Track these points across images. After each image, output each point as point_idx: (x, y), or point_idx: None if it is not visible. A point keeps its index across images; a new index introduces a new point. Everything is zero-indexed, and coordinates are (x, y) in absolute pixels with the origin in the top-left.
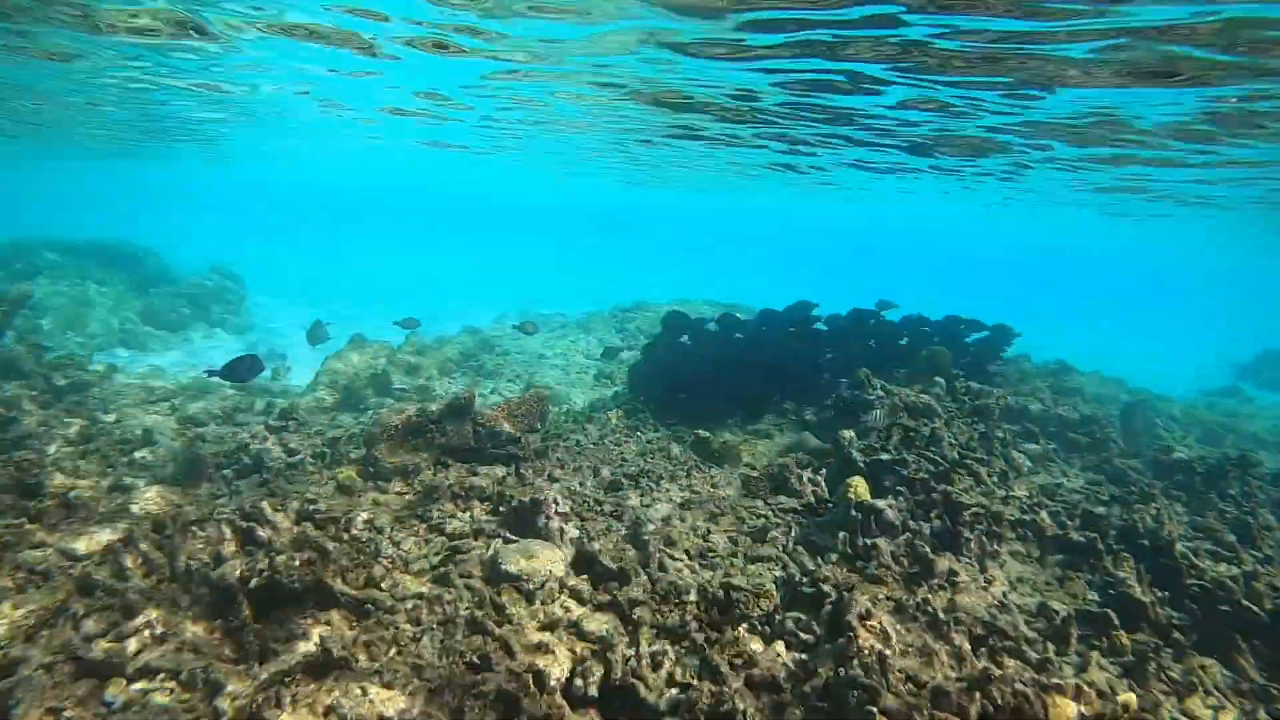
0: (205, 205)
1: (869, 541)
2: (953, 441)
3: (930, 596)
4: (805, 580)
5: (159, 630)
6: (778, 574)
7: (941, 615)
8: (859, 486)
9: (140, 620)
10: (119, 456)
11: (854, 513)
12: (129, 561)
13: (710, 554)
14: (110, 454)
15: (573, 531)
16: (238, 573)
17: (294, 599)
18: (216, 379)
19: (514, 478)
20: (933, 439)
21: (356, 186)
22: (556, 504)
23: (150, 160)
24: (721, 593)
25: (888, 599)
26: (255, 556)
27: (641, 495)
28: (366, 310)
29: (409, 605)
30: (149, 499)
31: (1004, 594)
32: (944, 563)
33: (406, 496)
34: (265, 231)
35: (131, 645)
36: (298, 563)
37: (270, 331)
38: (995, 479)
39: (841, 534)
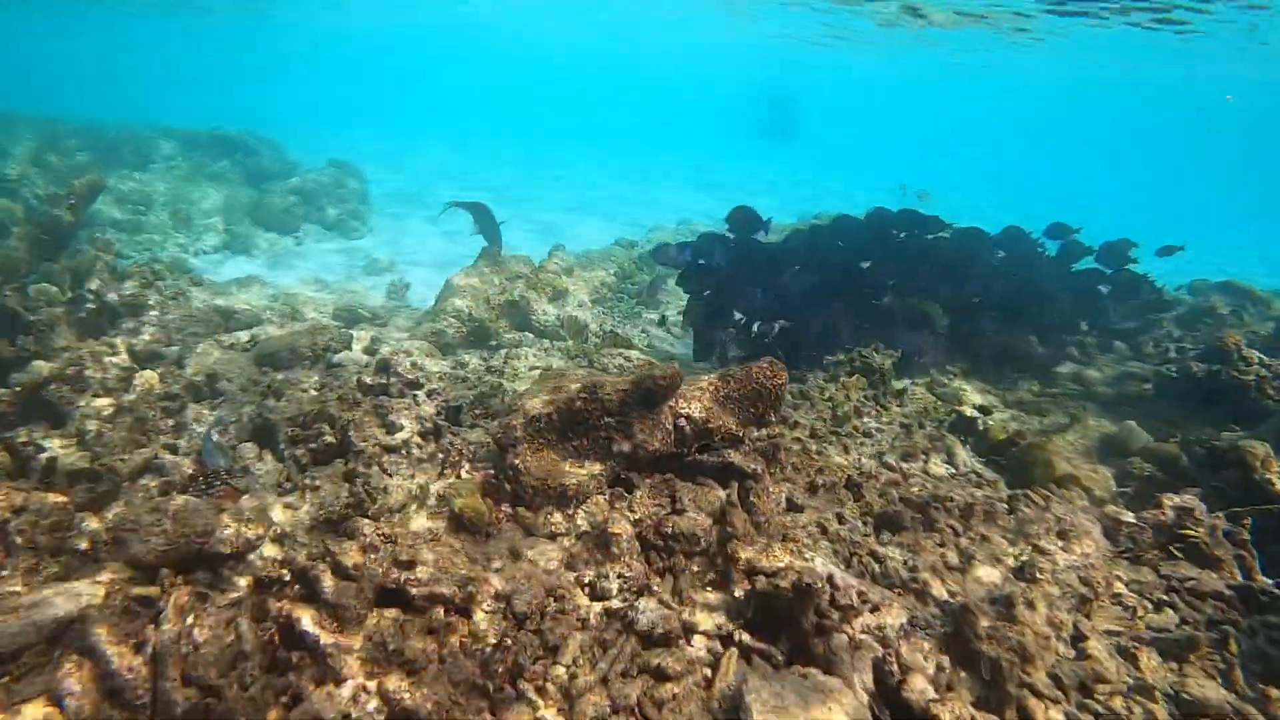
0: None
1: None
2: None
3: None
4: None
5: None
6: None
7: None
8: None
9: None
10: (160, 418)
11: None
12: (73, 679)
13: (1098, 685)
14: (149, 414)
15: (871, 647)
16: None
17: None
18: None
19: (741, 514)
20: None
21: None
22: (835, 588)
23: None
24: None
25: None
26: (296, 693)
27: (942, 544)
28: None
29: None
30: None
31: None
32: None
33: (563, 542)
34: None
35: None
36: None
37: (397, 235)
38: None
39: None
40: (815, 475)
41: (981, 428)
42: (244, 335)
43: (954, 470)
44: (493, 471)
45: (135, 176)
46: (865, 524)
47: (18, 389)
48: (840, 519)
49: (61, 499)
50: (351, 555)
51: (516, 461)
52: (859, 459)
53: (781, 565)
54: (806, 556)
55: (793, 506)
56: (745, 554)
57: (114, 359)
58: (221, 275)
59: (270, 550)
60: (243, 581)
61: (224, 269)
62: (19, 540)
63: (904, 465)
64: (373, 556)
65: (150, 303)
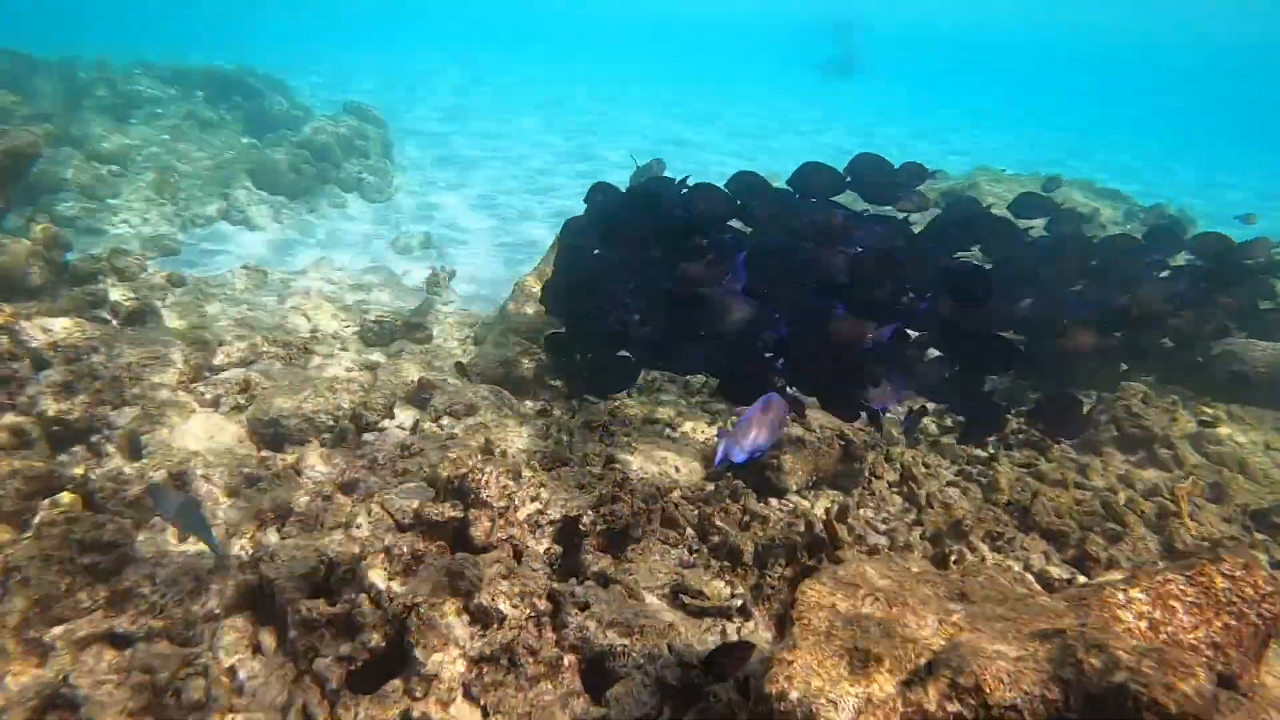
0: None
1: None
2: None
3: None
4: None
5: None
6: None
7: None
8: None
9: None
10: (79, 580)
11: None
12: None
13: None
14: (58, 586)
15: None
16: None
17: None
18: None
19: None
20: None
21: None
22: None
23: None
24: None
25: None
26: None
27: None
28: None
29: None
30: None
31: None
32: None
33: None
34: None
35: None
36: None
37: (429, 197)
38: None
39: None
40: None
41: None
42: (234, 381)
43: None
44: None
45: (108, 126)
46: None
47: None
48: None
49: None
50: None
51: None
52: None
53: None
54: None
55: None
56: None
57: (13, 466)
58: (214, 260)
59: None
60: None
61: (219, 247)
62: None
63: None
64: None
65: (93, 338)
